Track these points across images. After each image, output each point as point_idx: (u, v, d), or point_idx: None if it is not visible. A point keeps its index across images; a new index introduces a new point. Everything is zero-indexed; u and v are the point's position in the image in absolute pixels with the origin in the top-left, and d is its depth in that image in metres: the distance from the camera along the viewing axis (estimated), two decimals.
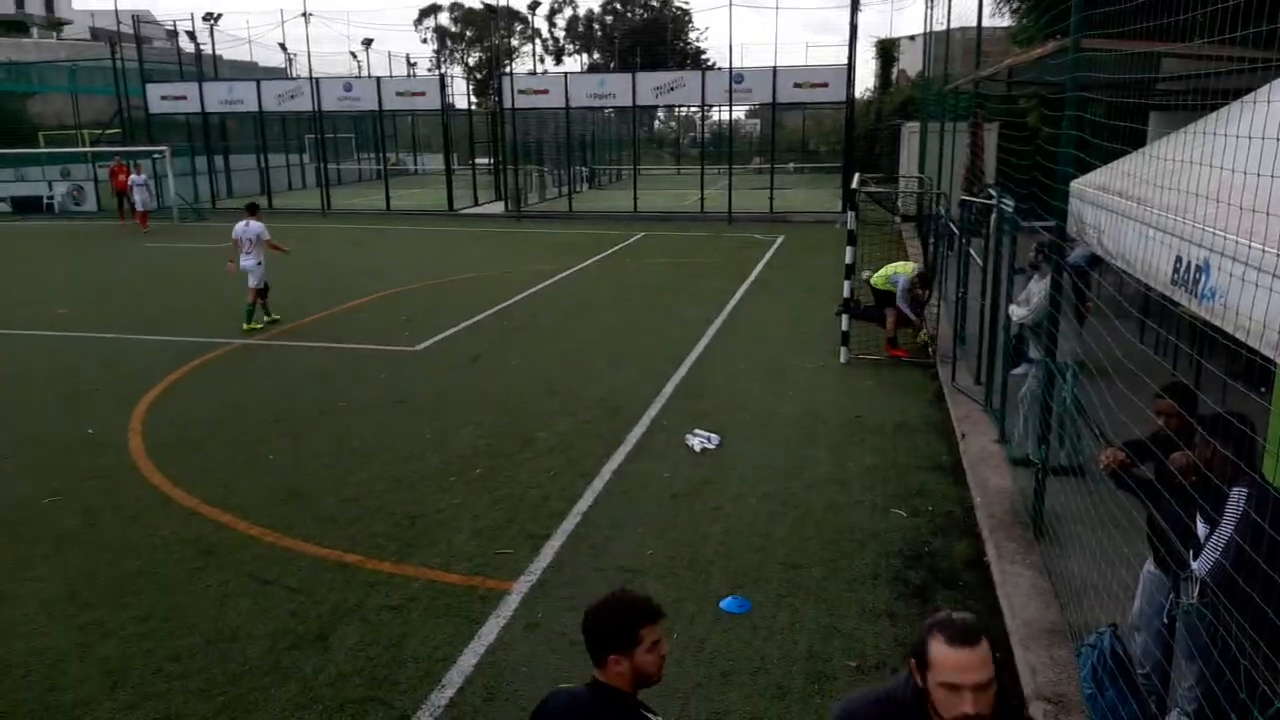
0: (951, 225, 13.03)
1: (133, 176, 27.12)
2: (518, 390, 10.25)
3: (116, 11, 36.18)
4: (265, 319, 13.66)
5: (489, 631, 5.41)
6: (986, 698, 2.13)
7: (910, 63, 43.45)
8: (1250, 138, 3.30)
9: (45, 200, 32.39)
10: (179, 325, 13.77)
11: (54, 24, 71.15)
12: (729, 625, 5.46)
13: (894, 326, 11.52)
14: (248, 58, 46.40)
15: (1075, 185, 5.61)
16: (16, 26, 65.18)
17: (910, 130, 27.87)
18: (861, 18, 31.56)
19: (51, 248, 23.83)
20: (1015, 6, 20.84)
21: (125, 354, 12.19)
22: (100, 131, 36.41)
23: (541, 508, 7.13)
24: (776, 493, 7.38)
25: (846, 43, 28.49)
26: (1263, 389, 6.76)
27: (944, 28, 20.97)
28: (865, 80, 50.87)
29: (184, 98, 32.92)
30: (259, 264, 13.39)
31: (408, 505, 7.21)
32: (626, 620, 2.50)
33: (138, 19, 34.93)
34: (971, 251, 10.46)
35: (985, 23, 17.69)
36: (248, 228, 13.47)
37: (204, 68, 36.50)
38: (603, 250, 21.75)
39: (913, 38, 40.96)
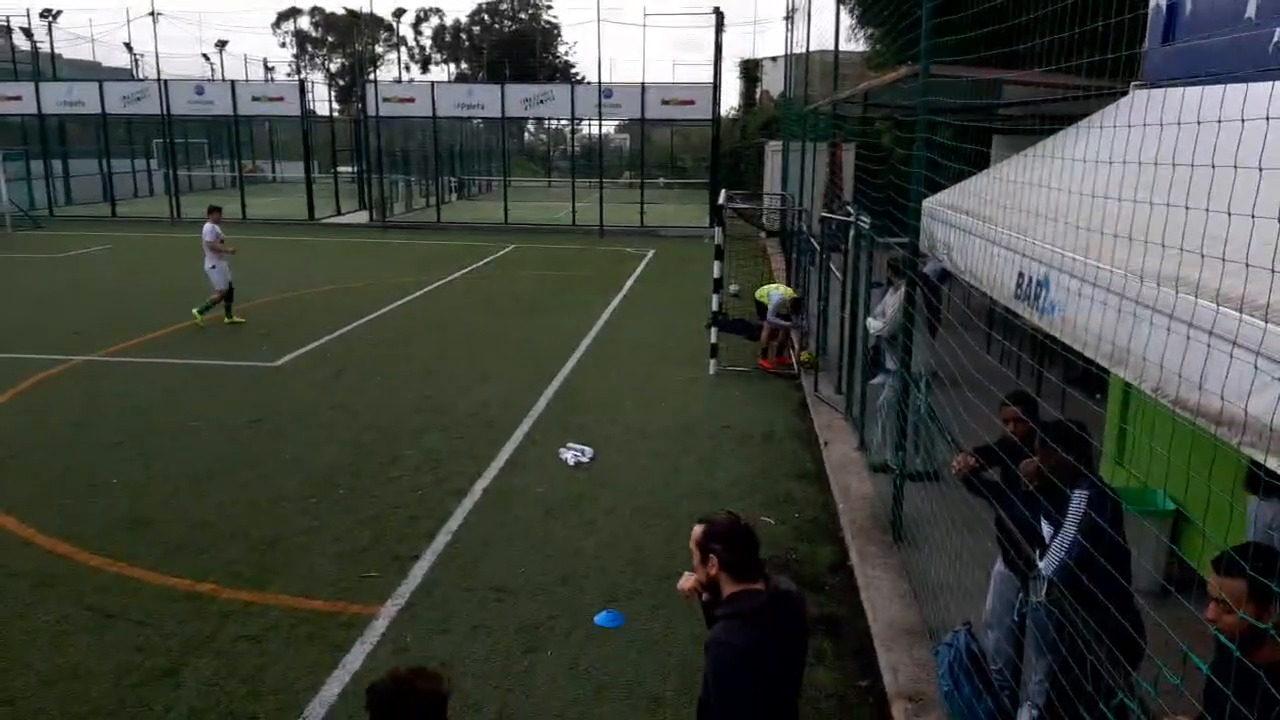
0: (813, 241, 13.47)
1: None
2: (384, 406, 9.97)
3: None
4: (226, 319, 14.03)
5: (354, 658, 5.22)
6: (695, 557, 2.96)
7: (773, 83, 44.77)
8: (1085, 161, 3.55)
9: None
10: (12, 341, 12.77)
11: None
12: (603, 640, 5.45)
13: (766, 340, 11.81)
14: (90, 57, 43.66)
15: (927, 204, 5.89)
16: None
17: (773, 149, 28.71)
18: (725, 38, 32.39)
19: None
20: (870, 33, 21.76)
21: None
22: None
23: (409, 528, 6.95)
24: (649, 505, 7.42)
25: (711, 62, 29.17)
26: (1098, 395, 7.27)
27: (804, 51, 21.73)
28: (730, 99, 52.07)
29: (18, 98, 30.66)
30: (213, 266, 13.89)
31: (265, 529, 6.89)
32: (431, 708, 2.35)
33: None
34: (831, 266, 10.85)
35: (842, 47, 18.41)
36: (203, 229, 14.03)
37: (41, 67, 34.16)
38: (473, 262, 21.47)
39: (775, 59, 42.29)
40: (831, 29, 17.75)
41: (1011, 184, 4.49)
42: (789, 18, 25.97)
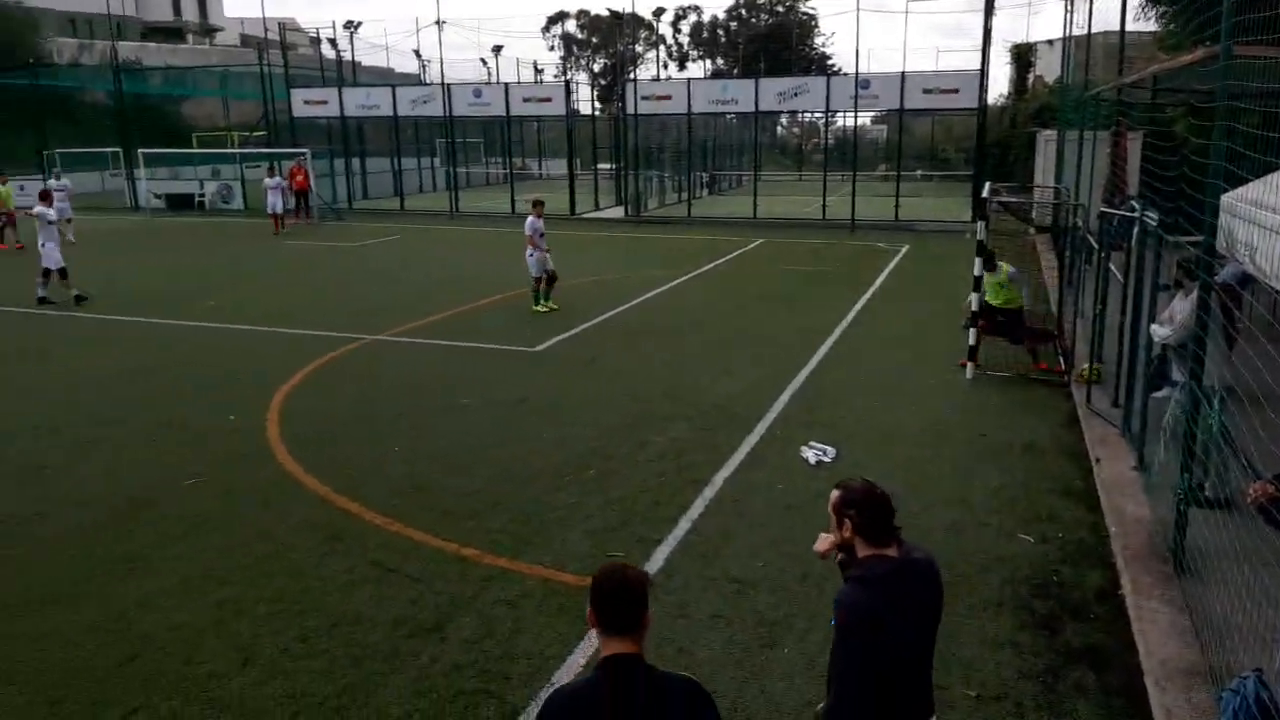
0: (1089, 238, 12.48)
1: (266, 180, 27.55)
2: (633, 393, 10.32)
3: (264, 20, 38.34)
4: (546, 305, 14.85)
5: None
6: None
7: (1048, 68, 41.85)
8: None
9: (196, 198, 34.54)
10: (316, 320, 14.43)
11: (207, 30, 75.88)
12: None
13: (1031, 342, 11.17)
14: (384, 64, 48.39)
15: (1226, 199, 5.30)
16: (174, 33, 69.86)
17: (1047, 138, 26.82)
18: (996, 21, 30.59)
19: (201, 243, 25.36)
20: (1162, 11, 19.74)
21: (266, 346, 12.87)
22: (248, 133, 38.59)
23: (653, 512, 7.16)
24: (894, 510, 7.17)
25: (979, 47, 27.66)
26: None
27: (1084, 32, 20.09)
28: (999, 86, 49.23)
29: (325, 102, 34.47)
30: (531, 254, 14.70)
31: (524, 503, 7.35)
32: (646, 579, 2.78)
33: (284, 27, 36.90)
34: (1111, 266, 9.99)
35: (1129, 27, 16.86)
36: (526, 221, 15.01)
37: (343, 74, 38.22)
38: (721, 256, 21.70)
39: (1051, 42, 39.45)
40: (1117, 8, 16.28)
41: None
42: None
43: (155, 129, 39.39)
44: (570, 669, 5.10)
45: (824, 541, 3.23)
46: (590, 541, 6.66)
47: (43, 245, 15.95)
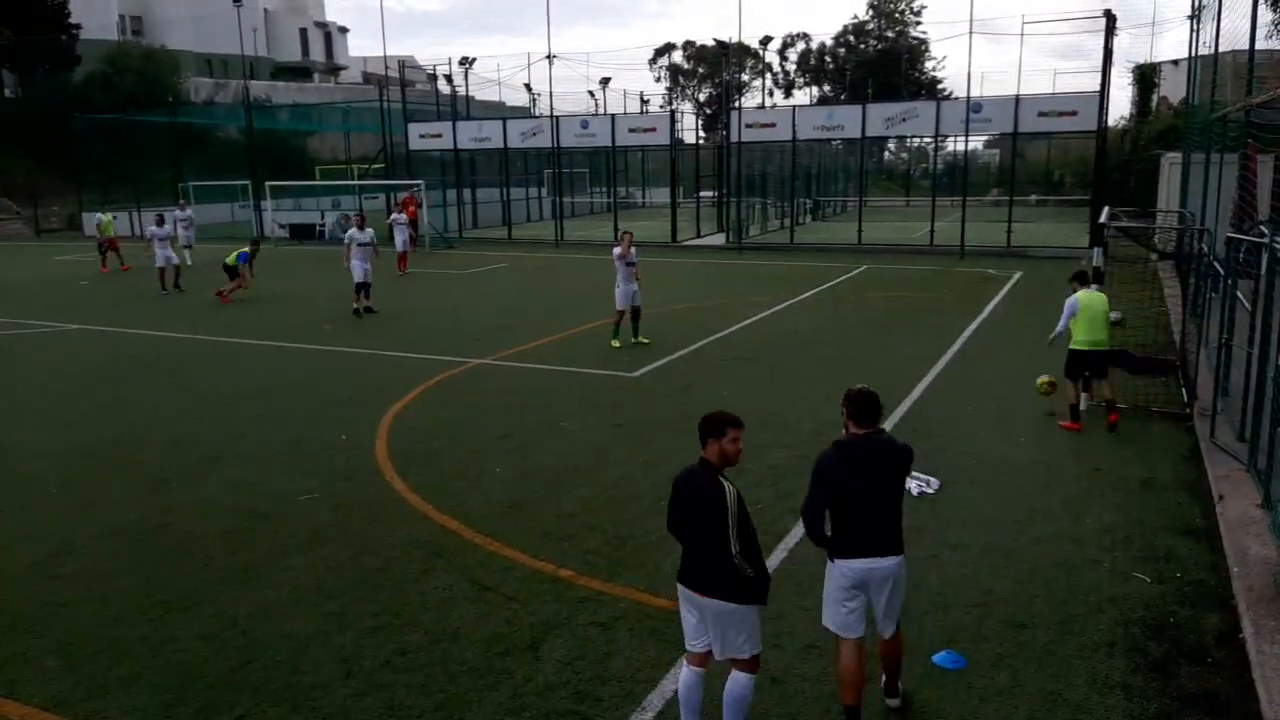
0: (1216, 265, 11.89)
1: (394, 216, 27.22)
2: None
3: (385, 58, 40.08)
4: (631, 339, 14.39)
5: None
6: None
7: (1172, 89, 40.17)
8: None
9: (317, 228, 36.16)
10: (426, 344, 14.90)
11: (332, 69, 79.71)
12: (941, 681, 5.18)
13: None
14: (496, 98, 49.84)
15: None
16: (302, 73, 73.66)
17: (1171, 161, 25.71)
18: (1117, 41, 29.51)
19: (321, 270, 26.46)
20: None
21: (378, 368, 13.34)
22: (366, 167, 40.28)
23: None
24: (1000, 545, 6.94)
25: (1099, 68, 26.78)
26: None
27: (1211, 51, 19.20)
28: (1120, 108, 47.48)
29: (439, 136, 35.71)
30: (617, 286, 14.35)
31: (619, 526, 7.39)
32: (722, 420, 4.41)
33: (403, 64, 38.49)
34: (1239, 294, 9.48)
35: (1260, 45, 16.04)
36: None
37: (458, 108, 39.55)
38: (823, 282, 21.46)
39: (1176, 62, 37.89)
40: (1246, 27, 15.51)
41: None
42: (1194, 16, 23.10)
43: (282, 163, 41.53)
44: (662, 693, 5.08)
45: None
46: None
47: (351, 264, 17.88)
